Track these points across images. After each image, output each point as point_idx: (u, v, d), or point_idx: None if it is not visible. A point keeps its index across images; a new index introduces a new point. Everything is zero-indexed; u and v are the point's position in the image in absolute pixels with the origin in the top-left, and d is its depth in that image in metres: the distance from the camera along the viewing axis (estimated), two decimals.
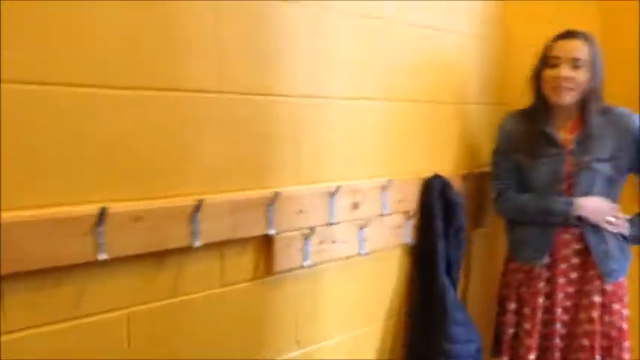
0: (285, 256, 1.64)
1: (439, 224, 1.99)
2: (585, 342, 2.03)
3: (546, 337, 2.08)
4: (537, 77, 2.06)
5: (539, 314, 2.06)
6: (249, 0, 1.51)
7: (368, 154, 1.87)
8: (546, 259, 2.04)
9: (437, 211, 1.99)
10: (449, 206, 2.02)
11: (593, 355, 2.01)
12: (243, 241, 1.55)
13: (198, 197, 1.42)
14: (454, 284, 2.04)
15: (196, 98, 1.44)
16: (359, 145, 1.84)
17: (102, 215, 1.26)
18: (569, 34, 2.01)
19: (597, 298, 2.03)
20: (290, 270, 1.66)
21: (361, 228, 1.83)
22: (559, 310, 2.05)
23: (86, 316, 1.29)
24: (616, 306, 2.04)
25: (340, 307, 1.84)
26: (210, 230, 1.45)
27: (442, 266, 1.99)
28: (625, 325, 2.06)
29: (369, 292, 1.93)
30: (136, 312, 1.37)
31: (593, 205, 2.00)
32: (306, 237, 1.68)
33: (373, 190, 1.86)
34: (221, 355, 1.54)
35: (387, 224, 1.92)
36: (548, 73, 2.01)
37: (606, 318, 2.03)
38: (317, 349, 1.78)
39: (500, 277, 2.21)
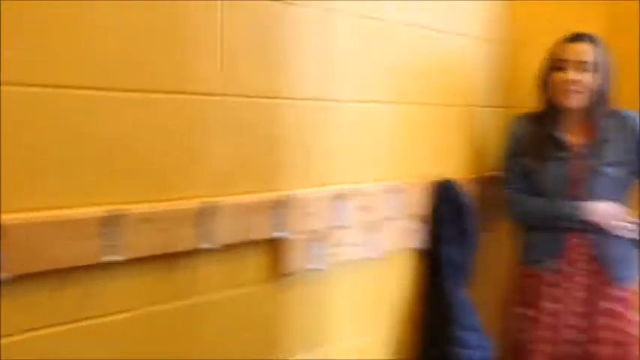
0: (294, 259, 1.63)
1: (448, 228, 1.98)
2: (596, 348, 2.01)
3: (556, 343, 2.05)
4: (545, 80, 2.05)
5: (548, 319, 2.04)
6: (256, 1, 1.51)
7: (376, 157, 1.86)
8: (556, 264, 2.03)
9: (446, 215, 1.98)
10: (458, 210, 2.01)
11: None
12: (252, 244, 1.54)
13: (206, 200, 1.42)
14: (465, 289, 2.03)
15: (203, 101, 1.44)
16: (367, 148, 1.83)
17: (110, 217, 1.25)
18: (577, 37, 2.01)
19: (608, 304, 2.01)
20: (298, 273, 1.65)
21: (370, 231, 1.82)
22: (568, 316, 2.03)
23: (93, 317, 1.29)
24: (627, 312, 2.02)
25: (349, 309, 1.83)
26: (219, 233, 1.44)
27: (450, 271, 1.98)
28: (636, 332, 2.03)
29: (377, 296, 1.92)
30: (147, 313, 1.37)
31: (602, 210, 2.00)
32: (315, 240, 1.67)
33: (382, 194, 1.85)
34: (232, 355, 1.53)
35: (396, 228, 1.91)
36: (557, 76, 2.01)
37: (617, 324, 2.01)
38: (327, 351, 1.76)
39: (508, 282, 2.20)
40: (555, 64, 2.02)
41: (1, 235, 1.13)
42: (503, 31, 2.30)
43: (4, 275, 1.14)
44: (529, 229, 2.11)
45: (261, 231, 1.54)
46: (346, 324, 1.83)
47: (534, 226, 2.08)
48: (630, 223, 2.01)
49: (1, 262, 1.13)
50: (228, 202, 1.47)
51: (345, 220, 1.74)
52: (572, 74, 1.97)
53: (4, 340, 1.17)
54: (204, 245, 1.42)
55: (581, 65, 1.97)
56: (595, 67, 1.97)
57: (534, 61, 2.08)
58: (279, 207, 1.56)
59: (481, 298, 2.19)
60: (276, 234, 1.57)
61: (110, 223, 1.26)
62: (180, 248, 1.39)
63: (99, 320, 1.30)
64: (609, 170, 1.99)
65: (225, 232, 1.46)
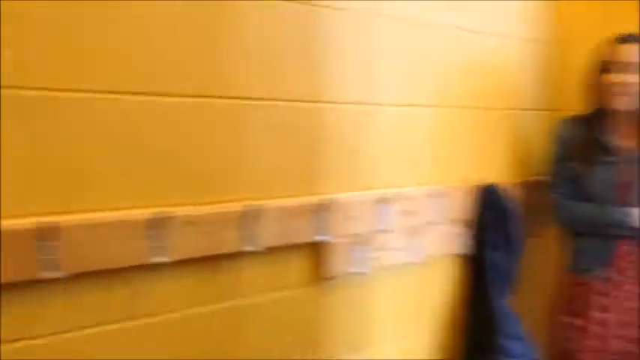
0: (336, 262, 1.63)
1: (492, 233, 1.95)
2: None
3: (604, 353, 1.99)
4: (593, 82, 2.00)
5: (596, 329, 1.99)
6: (299, 5, 1.53)
7: (418, 161, 1.85)
8: (605, 272, 1.97)
9: (490, 220, 1.95)
10: (503, 215, 1.97)
11: None
12: (295, 247, 1.55)
13: (250, 203, 1.43)
14: (509, 296, 1.99)
15: (246, 105, 1.45)
16: (408, 152, 1.82)
17: (156, 219, 1.28)
18: (627, 38, 1.95)
19: None
20: (341, 276, 1.65)
21: (412, 236, 1.81)
22: (617, 325, 1.97)
23: (141, 317, 1.31)
24: None
25: (391, 314, 1.82)
26: (263, 236, 1.45)
27: (495, 277, 1.94)
28: None
29: (419, 301, 1.91)
30: (191, 314, 1.39)
31: None
32: (357, 244, 1.67)
33: (424, 198, 1.83)
34: (274, 357, 1.54)
35: (439, 232, 1.89)
36: (606, 78, 1.96)
37: None
38: (368, 354, 1.76)
39: (555, 289, 2.15)
40: (605, 66, 1.97)
41: (60, 236, 1.16)
42: (548, 31, 2.25)
43: (62, 274, 1.17)
44: (577, 236, 2.06)
45: (304, 234, 1.55)
46: (388, 328, 1.82)
47: (582, 232, 2.03)
48: None
49: (60, 261, 1.17)
50: (272, 206, 1.48)
51: (388, 225, 1.73)
52: (622, 76, 1.92)
53: (62, 336, 1.21)
54: (248, 248, 1.44)
55: (631, 67, 1.92)
56: None
57: (579, 62, 2.03)
58: (321, 210, 1.57)
59: (527, 305, 2.14)
60: (318, 237, 1.58)
61: (157, 225, 1.29)
62: (224, 251, 1.41)
63: (146, 320, 1.33)
64: None
65: (268, 235, 1.47)
